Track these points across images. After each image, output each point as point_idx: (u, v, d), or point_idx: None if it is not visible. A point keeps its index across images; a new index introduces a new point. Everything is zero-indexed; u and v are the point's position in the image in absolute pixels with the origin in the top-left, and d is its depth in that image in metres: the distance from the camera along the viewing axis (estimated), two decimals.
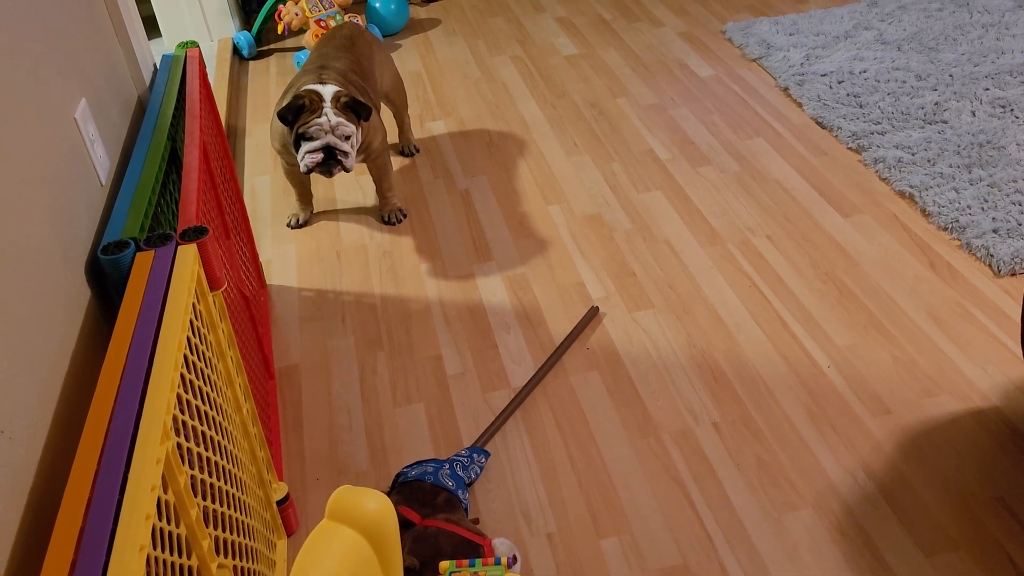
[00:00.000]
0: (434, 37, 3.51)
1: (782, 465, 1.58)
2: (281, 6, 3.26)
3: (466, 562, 1.24)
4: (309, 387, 1.85)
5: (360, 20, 3.28)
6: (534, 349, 1.89)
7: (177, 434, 0.98)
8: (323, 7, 3.26)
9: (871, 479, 1.54)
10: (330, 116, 2.03)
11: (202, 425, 1.09)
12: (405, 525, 1.41)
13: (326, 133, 2.03)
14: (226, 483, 1.16)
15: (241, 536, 1.20)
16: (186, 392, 1.05)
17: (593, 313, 1.96)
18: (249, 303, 1.71)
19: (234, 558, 1.15)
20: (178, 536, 0.95)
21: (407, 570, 1.34)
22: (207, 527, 1.03)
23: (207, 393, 1.15)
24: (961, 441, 1.59)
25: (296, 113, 2.04)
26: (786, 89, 2.84)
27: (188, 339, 1.10)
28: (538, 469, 1.62)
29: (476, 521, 1.50)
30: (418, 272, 2.17)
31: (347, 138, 2.06)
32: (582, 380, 1.80)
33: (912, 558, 1.40)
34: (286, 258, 2.28)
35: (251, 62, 3.46)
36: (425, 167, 2.62)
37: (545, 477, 1.60)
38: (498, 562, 1.23)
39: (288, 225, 2.40)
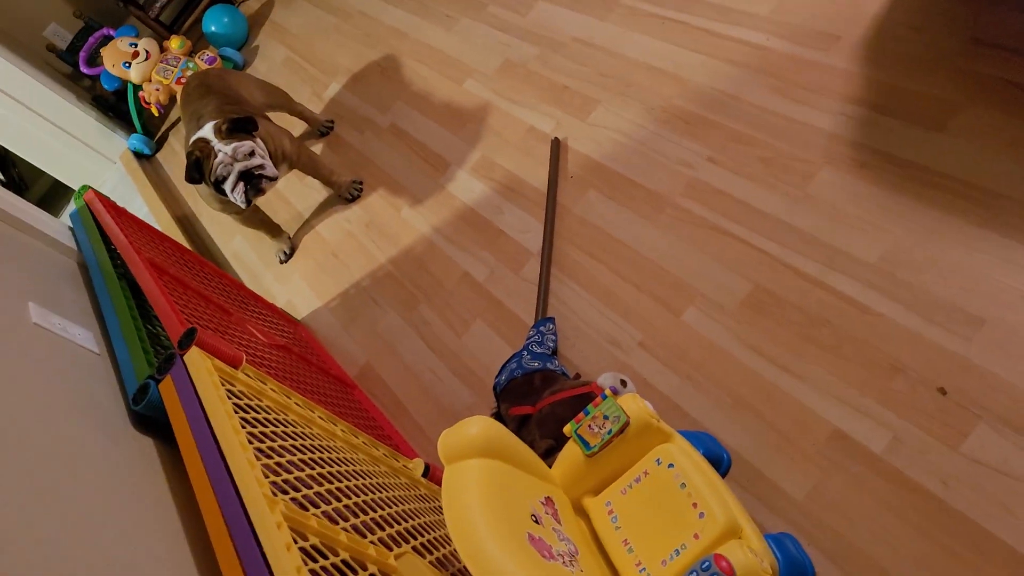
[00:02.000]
0: (278, 17, 3.45)
1: (781, 150, 1.60)
2: (141, 93, 3.26)
3: (582, 414, 1.32)
4: (387, 372, 1.96)
5: (210, 55, 3.25)
6: (532, 210, 1.94)
7: (284, 493, 1.09)
8: (173, 66, 3.24)
9: (858, 105, 1.55)
10: (223, 148, 2.06)
11: (303, 471, 1.19)
12: (526, 419, 1.51)
13: (231, 164, 2.07)
14: (360, 495, 1.27)
15: (405, 521, 1.32)
16: (270, 457, 1.15)
17: (556, 145, 1.98)
18: (289, 349, 1.81)
19: (409, 541, 1.27)
20: (346, 561, 1.07)
21: (547, 451, 1.45)
22: (365, 536, 1.15)
23: (292, 446, 1.25)
24: (917, 16, 1.57)
25: (198, 168, 2.08)
26: None
27: (242, 417, 1.19)
28: (598, 299, 1.68)
29: (578, 376, 1.59)
30: (403, 220, 2.22)
31: (251, 154, 2.09)
32: (586, 206, 1.84)
33: (932, 143, 1.42)
34: (299, 289, 2.37)
35: (159, 155, 3.49)
36: (348, 131, 2.64)
37: (608, 302, 1.67)
38: (604, 397, 1.31)
39: (280, 262, 2.47)
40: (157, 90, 3.25)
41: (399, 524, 1.29)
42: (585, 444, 1.28)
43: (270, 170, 2.13)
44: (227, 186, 2.09)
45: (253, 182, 2.10)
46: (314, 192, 2.57)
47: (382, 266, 2.17)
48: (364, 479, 1.35)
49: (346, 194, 2.41)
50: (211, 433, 1.13)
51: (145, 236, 1.83)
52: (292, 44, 3.23)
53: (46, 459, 1.02)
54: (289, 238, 2.49)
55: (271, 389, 1.37)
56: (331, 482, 1.23)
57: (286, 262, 2.47)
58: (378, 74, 2.70)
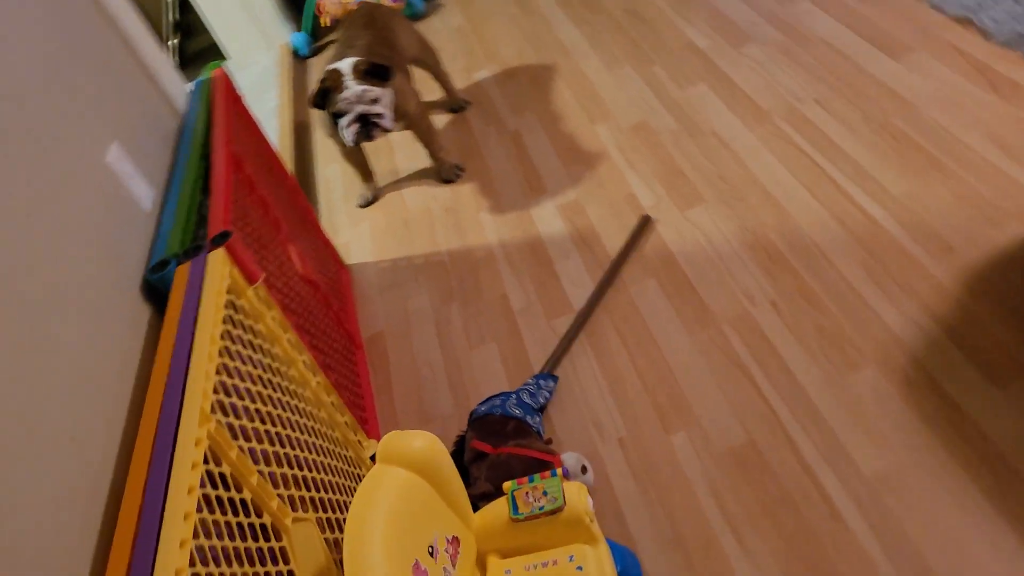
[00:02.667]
0: None
1: (842, 328, 1.56)
2: (319, 1, 3.38)
3: (526, 479, 1.33)
4: (394, 349, 1.99)
5: None
6: (593, 269, 1.94)
7: (226, 414, 1.12)
8: None
9: (935, 322, 1.50)
10: (352, 87, 2.13)
11: (256, 403, 1.23)
12: (481, 456, 1.52)
13: (354, 103, 2.14)
14: (296, 449, 1.30)
15: (325, 492, 1.35)
16: (231, 377, 1.19)
17: (645, 222, 1.98)
18: (317, 285, 1.86)
19: (320, 511, 1.30)
20: (244, 501, 1.10)
21: (483, 495, 1.46)
22: (276, 488, 1.18)
23: (259, 375, 1.29)
24: None
25: (324, 96, 2.16)
26: None
27: (229, 332, 1.24)
28: (605, 381, 1.68)
29: (548, 441, 1.59)
30: (479, 221, 2.26)
31: (375, 100, 2.16)
32: (640, 289, 1.83)
33: (985, 394, 1.37)
34: (362, 237, 2.42)
35: (312, 59, 3.62)
36: (476, 117, 2.69)
37: (612, 388, 1.66)
38: (554, 474, 1.31)
39: (359, 206, 2.54)
40: (336, 4, 3.37)
41: (318, 493, 1.32)
42: (515, 507, 1.28)
43: (386, 122, 2.19)
44: (343, 121, 2.17)
45: (367, 127, 2.17)
46: (418, 157, 2.62)
47: (440, 253, 2.21)
48: (310, 437, 1.39)
49: (445, 174, 2.46)
50: (192, 333, 1.17)
51: (245, 131, 1.90)
52: (471, 16, 3.30)
53: (51, 282, 1.08)
54: (376, 188, 2.56)
55: (271, 317, 1.42)
56: (274, 425, 1.27)
57: (363, 207, 2.53)
58: (527, 79, 2.74)
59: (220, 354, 1.19)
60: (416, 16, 3.48)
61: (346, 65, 2.16)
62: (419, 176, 2.56)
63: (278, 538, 1.14)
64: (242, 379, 1.23)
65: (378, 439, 1.73)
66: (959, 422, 1.35)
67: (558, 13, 3.03)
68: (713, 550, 1.34)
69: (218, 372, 1.16)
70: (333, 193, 2.67)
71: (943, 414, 1.37)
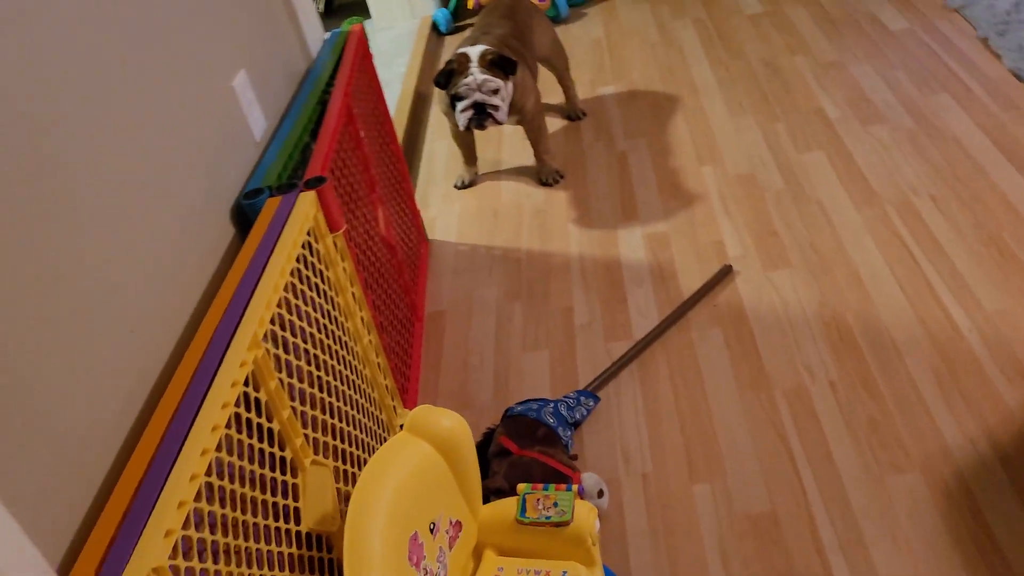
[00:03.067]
0: (620, 4, 3.55)
1: (895, 427, 1.53)
2: None
3: (541, 486, 1.34)
4: (451, 331, 2.02)
5: None
6: (662, 304, 1.94)
7: (276, 346, 1.17)
8: None
9: (992, 448, 1.45)
10: (476, 74, 2.17)
11: (306, 343, 1.27)
12: (504, 453, 1.54)
13: (474, 90, 2.18)
14: (332, 397, 1.35)
15: (349, 445, 1.38)
16: (290, 313, 1.24)
17: (726, 271, 1.96)
18: (395, 250, 1.91)
19: (339, 461, 1.34)
20: (271, 431, 1.14)
21: (497, 490, 1.47)
22: (305, 428, 1.22)
23: (316, 319, 1.33)
24: None
25: (448, 77, 2.21)
26: (985, 40, 2.60)
27: (299, 271, 1.29)
28: (644, 416, 1.68)
29: (574, 457, 1.59)
30: (565, 230, 2.27)
31: (495, 92, 2.20)
32: (703, 336, 1.82)
33: (1022, 531, 1.32)
34: (450, 215, 2.47)
35: (449, 36, 3.69)
36: (589, 130, 2.71)
37: (650, 423, 1.66)
38: (569, 488, 1.32)
39: (455, 186, 2.59)
40: None
41: (342, 444, 1.36)
42: (523, 510, 1.29)
43: (500, 115, 2.23)
44: (460, 105, 2.21)
45: (480, 116, 2.21)
46: (524, 154, 2.65)
47: (519, 251, 2.23)
48: (348, 390, 1.43)
49: (544, 176, 2.48)
50: (265, 262, 1.22)
51: (366, 89, 1.96)
52: (610, 32, 3.32)
53: (158, 182, 1.14)
54: (476, 173, 2.60)
55: (343, 268, 1.46)
56: (318, 369, 1.31)
57: (459, 188, 2.57)
58: (648, 105, 2.74)
59: (285, 288, 1.23)
60: (558, 19, 3.52)
61: (475, 52, 2.21)
62: (519, 172, 2.59)
63: (294, 474, 1.18)
64: (299, 318, 1.28)
65: (410, 409, 1.77)
66: (989, 550, 1.30)
67: (697, 50, 3.02)
68: None
69: (279, 305, 1.21)
70: (435, 168, 2.72)
71: (974, 538, 1.33)
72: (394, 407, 1.67)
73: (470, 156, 2.56)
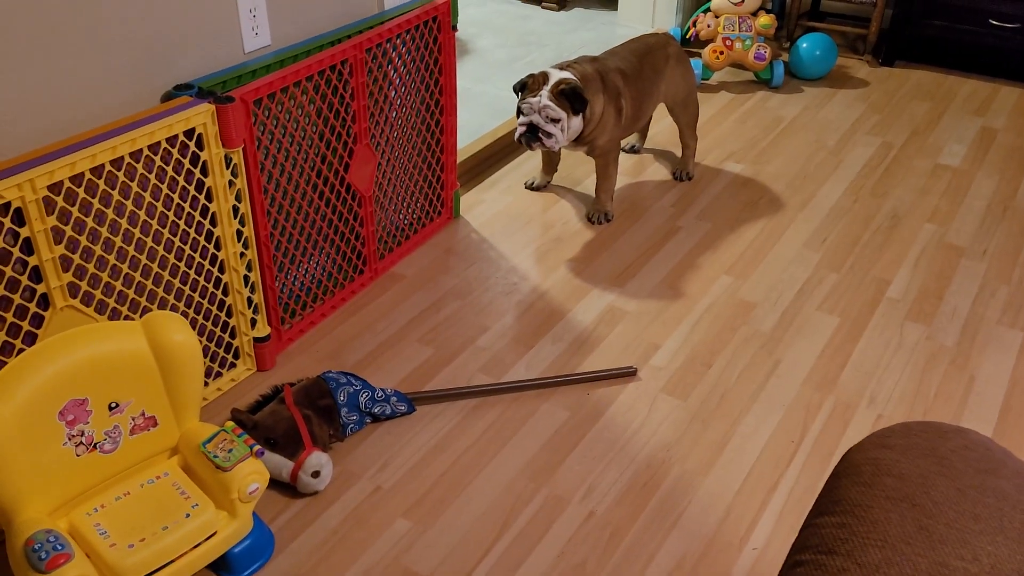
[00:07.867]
0: (835, 95, 3.32)
1: None
2: (701, 14, 3.39)
3: (240, 431, 1.47)
4: (393, 295, 2.17)
5: (763, 50, 3.26)
6: (555, 367, 1.94)
7: (75, 204, 1.41)
8: (738, 28, 3.31)
9: None
10: (542, 98, 2.22)
11: (121, 218, 1.50)
12: (279, 399, 1.69)
13: (534, 112, 2.24)
14: (149, 281, 1.57)
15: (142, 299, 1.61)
16: (110, 186, 1.47)
17: (629, 372, 1.91)
18: (365, 200, 2.07)
19: (106, 311, 1.57)
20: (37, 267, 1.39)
21: (238, 422, 1.63)
22: (85, 280, 1.45)
23: (155, 205, 1.56)
24: None
25: (522, 89, 2.28)
26: None
27: (161, 167, 1.51)
28: (427, 449, 1.73)
29: (336, 439, 1.71)
30: (556, 263, 2.29)
31: (554, 121, 2.23)
32: (548, 412, 1.82)
33: None
34: (494, 205, 2.57)
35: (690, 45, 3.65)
36: (676, 193, 2.65)
37: (425, 455, 1.71)
38: (252, 447, 1.44)
39: (525, 184, 2.67)
40: (709, 26, 3.36)
41: (140, 298, 1.59)
42: (208, 440, 1.44)
43: (552, 142, 2.25)
44: (519, 119, 2.28)
45: (531, 136, 2.25)
46: (592, 186, 2.65)
47: (510, 260, 2.30)
48: (179, 283, 1.65)
49: (592, 214, 2.49)
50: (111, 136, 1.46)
51: (420, 55, 2.11)
52: (798, 116, 3.14)
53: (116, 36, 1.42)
54: (548, 181, 2.66)
55: (227, 180, 1.66)
56: (129, 246, 1.54)
57: (527, 188, 2.65)
58: (748, 198, 2.61)
59: (117, 165, 1.46)
60: (769, 84, 3.37)
61: (556, 76, 2.25)
62: (581, 200, 2.61)
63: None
64: (125, 196, 1.51)
65: (277, 329, 1.96)
66: None
67: (850, 172, 2.79)
68: None
69: (95, 172, 1.44)
70: (526, 164, 2.81)
71: None
72: (253, 319, 1.87)
73: (547, 164, 2.63)
